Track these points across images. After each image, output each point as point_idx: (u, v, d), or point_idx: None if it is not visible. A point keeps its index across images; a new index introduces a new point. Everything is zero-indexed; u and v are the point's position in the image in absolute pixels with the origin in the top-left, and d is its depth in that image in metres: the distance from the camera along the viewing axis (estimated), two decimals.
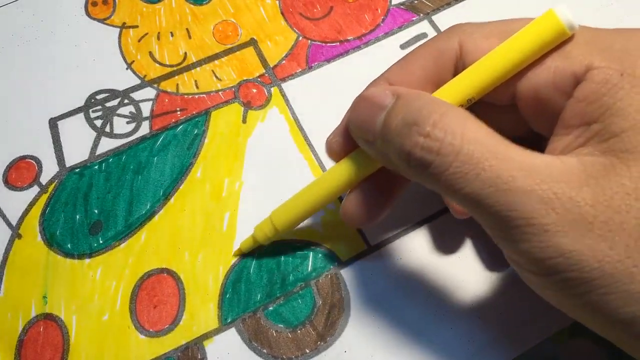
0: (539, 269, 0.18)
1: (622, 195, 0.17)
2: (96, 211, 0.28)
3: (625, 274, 0.16)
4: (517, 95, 0.21)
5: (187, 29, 0.33)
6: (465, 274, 0.26)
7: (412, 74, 0.22)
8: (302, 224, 0.28)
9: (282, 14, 0.34)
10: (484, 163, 0.17)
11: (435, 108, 0.19)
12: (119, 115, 0.31)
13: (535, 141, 0.20)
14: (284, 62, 0.32)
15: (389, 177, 0.23)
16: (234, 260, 0.27)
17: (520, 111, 0.21)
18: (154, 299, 0.26)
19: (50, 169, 0.29)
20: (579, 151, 0.18)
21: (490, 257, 0.27)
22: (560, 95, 0.19)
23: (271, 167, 0.29)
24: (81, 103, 0.31)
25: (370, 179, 0.23)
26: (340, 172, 0.23)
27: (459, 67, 0.22)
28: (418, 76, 0.22)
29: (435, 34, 0.33)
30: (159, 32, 0.33)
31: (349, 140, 0.23)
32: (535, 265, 0.18)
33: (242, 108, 0.31)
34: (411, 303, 0.26)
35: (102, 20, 0.34)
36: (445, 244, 0.27)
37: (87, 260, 0.27)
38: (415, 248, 0.27)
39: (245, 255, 0.27)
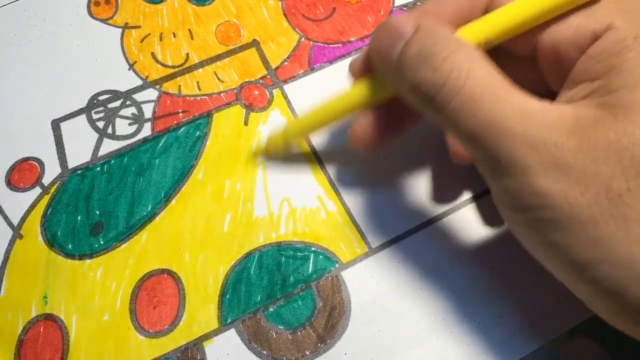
0: (516, 205, 0.19)
1: (604, 147, 0.17)
2: (97, 212, 0.28)
3: (590, 220, 0.17)
4: (538, 47, 0.21)
5: (189, 29, 0.33)
6: (466, 278, 0.26)
7: (442, 12, 0.22)
8: (303, 227, 0.28)
9: (285, 15, 0.34)
10: (482, 103, 0.18)
11: (448, 44, 0.19)
12: (121, 116, 0.31)
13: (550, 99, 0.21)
14: (286, 63, 0.32)
15: (401, 107, 0.24)
16: (234, 260, 0.27)
17: (538, 64, 0.22)
18: (154, 299, 0.26)
19: (52, 171, 0.29)
20: (576, 103, 0.19)
21: (491, 262, 0.27)
22: (577, 52, 0.20)
23: (273, 169, 0.29)
24: (83, 104, 0.31)
25: (384, 106, 0.24)
26: (356, 91, 0.24)
27: (489, 11, 0.22)
28: (448, 14, 0.22)
29: None
30: (161, 33, 0.33)
31: (370, 65, 0.24)
32: (514, 202, 0.19)
33: (244, 110, 0.31)
34: (412, 306, 0.26)
35: (104, 21, 0.34)
36: (446, 248, 0.27)
37: (87, 261, 0.27)
38: (416, 251, 0.27)
39: (247, 254, 0.27)
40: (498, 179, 0.19)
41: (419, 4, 0.34)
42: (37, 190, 0.29)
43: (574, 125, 0.18)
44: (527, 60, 0.22)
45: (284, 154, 0.29)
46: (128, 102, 0.31)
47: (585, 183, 0.17)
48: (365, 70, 0.24)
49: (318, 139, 0.30)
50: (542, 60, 0.22)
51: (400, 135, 0.25)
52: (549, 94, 0.21)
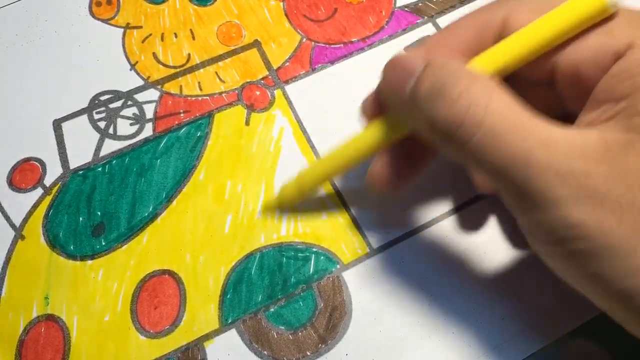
0: (550, 239, 0.18)
1: (637, 173, 0.17)
2: (99, 213, 0.28)
3: (629, 249, 0.17)
4: (556, 70, 0.21)
5: (190, 29, 0.33)
6: (467, 279, 0.26)
7: (452, 43, 0.22)
8: (304, 227, 0.28)
9: (286, 15, 0.34)
10: (505, 136, 0.18)
11: (462, 77, 0.19)
12: (122, 116, 0.31)
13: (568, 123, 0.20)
14: (287, 64, 0.32)
15: (418, 145, 0.23)
16: (235, 261, 0.27)
17: (557, 87, 0.21)
18: (155, 300, 0.27)
19: (54, 171, 0.29)
20: (602, 126, 0.18)
21: (493, 263, 0.27)
22: (598, 72, 0.19)
23: (273, 169, 0.29)
24: (85, 104, 0.31)
25: (400, 145, 0.24)
26: (370, 134, 0.24)
27: (502, 38, 0.21)
28: (457, 45, 0.22)
29: None
30: (162, 33, 0.33)
31: (382, 104, 0.23)
32: (547, 235, 0.18)
33: (246, 110, 0.31)
34: (412, 307, 0.26)
35: (106, 21, 0.34)
36: (448, 249, 0.27)
37: (89, 262, 0.27)
38: (417, 252, 0.27)
39: (247, 255, 0.27)
40: (528, 213, 0.19)
41: (420, 4, 0.34)
42: (39, 191, 0.29)
43: (603, 151, 0.17)
44: (543, 84, 0.22)
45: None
46: (129, 102, 0.31)
47: (620, 212, 0.17)
48: (377, 109, 0.24)
49: (320, 142, 0.30)
50: (560, 83, 0.21)
51: (419, 173, 0.24)
52: (568, 117, 0.20)
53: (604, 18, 0.20)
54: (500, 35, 0.21)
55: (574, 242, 0.18)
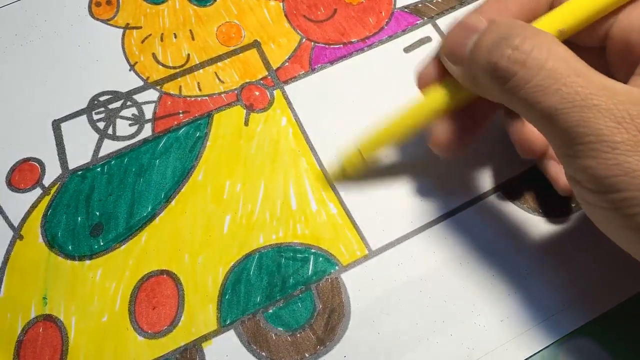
0: (599, 186, 0.18)
1: None
2: (97, 213, 0.28)
3: None
4: (608, 37, 0.21)
5: (190, 30, 0.33)
6: (466, 281, 0.26)
7: (507, 9, 0.23)
8: (303, 229, 0.28)
9: (286, 15, 0.34)
10: (566, 79, 0.18)
11: (527, 28, 0.20)
12: (121, 117, 0.31)
13: None
14: (287, 64, 0.32)
15: (474, 110, 0.24)
16: (233, 261, 0.27)
17: (607, 54, 0.22)
18: (153, 300, 0.26)
19: (53, 171, 0.29)
20: None
21: (492, 264, 0.27)
22: None
23: (273, 170, 0.29)
24: (84, 105, 0.31)
25: (457, 114, 0.24)
26: (429, 101, 0.24)
27: (555, 6, 0.22)
28: (513, 11, 0.23)
29: (439, 37, 0.32)
30: (162, 33, 0.33)
31: (438, 71, 0.24)
32: (596, 182, 0.18)
33: (245, 111, 0.31)
34: (411, 309, 0.26)
35: (105, 21, 0.34)
36: (446, 250, 0.27)
37: (87, 262, 0.27)
38: (416, 253, 0.27)
39: (246, 255, 0.27)
40: (579, 159, 0.18)
41: (420, 5, 0.34)
42: (38, 191, 0.29)
43: None
44: (594, 50, 0.22)
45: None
46: (129, 103, 0.31)
47: None
48: (432, 77, 0.24)
49: (319, 142, 0.30)
50: (611, 50, 0.22)
51: (476, 139, 0.25)
52: None
53: None
54: (552, 4, 0.22)
55: (626, 190, 0.17)
